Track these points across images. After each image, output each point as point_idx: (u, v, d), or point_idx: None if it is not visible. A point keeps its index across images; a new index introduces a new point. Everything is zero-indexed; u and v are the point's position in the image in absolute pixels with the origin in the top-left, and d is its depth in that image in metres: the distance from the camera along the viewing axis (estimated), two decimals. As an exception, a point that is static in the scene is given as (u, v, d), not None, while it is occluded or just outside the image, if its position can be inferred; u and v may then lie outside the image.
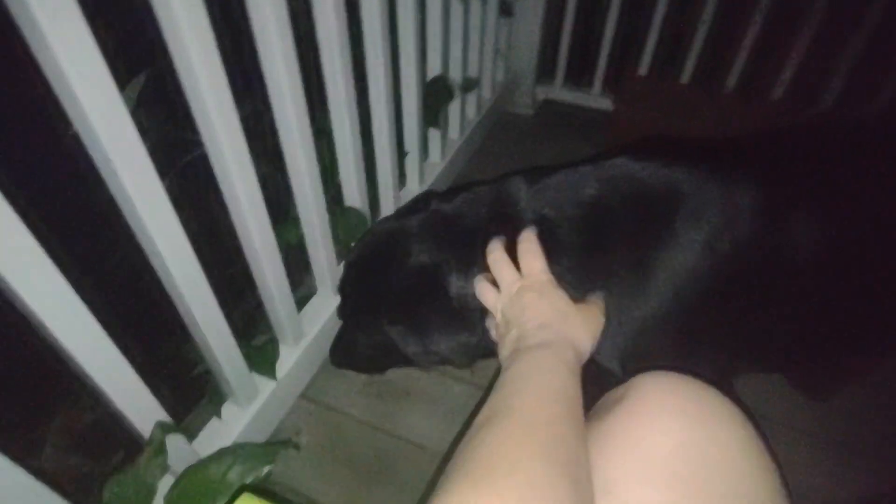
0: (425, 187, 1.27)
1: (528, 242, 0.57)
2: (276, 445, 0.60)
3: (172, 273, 0.60)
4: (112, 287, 0.75)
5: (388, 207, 1.13)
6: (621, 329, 0.61)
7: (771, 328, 0.70)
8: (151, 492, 0.56)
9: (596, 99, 1.70)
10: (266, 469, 0.56)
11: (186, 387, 0.87)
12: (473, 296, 0.64)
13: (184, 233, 0.60)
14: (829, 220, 0.64)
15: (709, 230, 0.60)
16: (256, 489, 0.44)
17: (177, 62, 0.55)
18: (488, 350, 0.71)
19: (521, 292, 0.53)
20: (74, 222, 0.65)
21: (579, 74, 1.71)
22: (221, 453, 0.58)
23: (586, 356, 0.48)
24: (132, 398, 0.59)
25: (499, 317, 0.55)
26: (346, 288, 0.78)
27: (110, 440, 0.81)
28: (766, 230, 0.62)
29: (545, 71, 1.73)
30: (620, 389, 0.42)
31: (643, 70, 1.57)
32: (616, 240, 0.62)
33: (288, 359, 0.90)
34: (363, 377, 0.99)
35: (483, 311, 0.63)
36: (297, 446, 0.76)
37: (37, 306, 0.47)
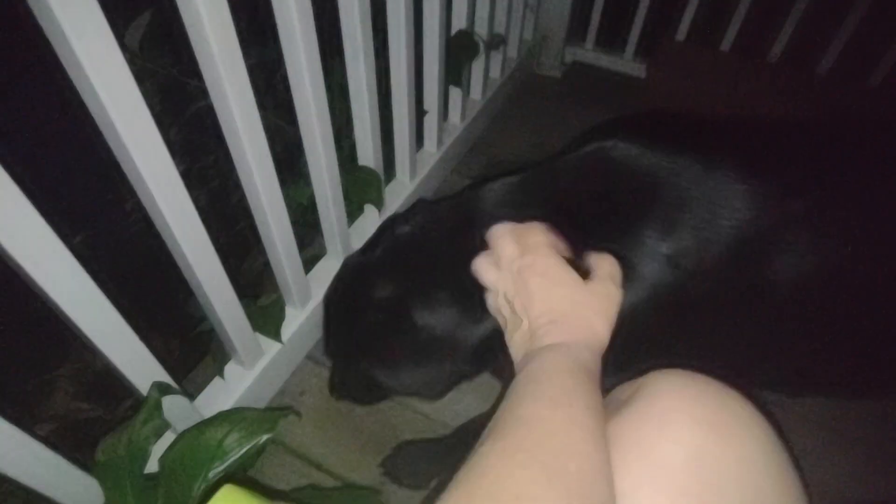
0: (443, 149, 1.22)
1: (534, 221, 0.51)
2: (276, 413, 0.59)
3: (172, 228, 0.57)
4: (108, 241, 0.73)
5: (403, 168, 1.08)
6: None
7: (755, 348, 0.63)
8: (145, 455, 0.55)
9: (628, 64, 1.61)
10: (265, 437, 0.55)
11: (190, 344, 0.86)
12: (441, 324, 0.59)
13: (183, 186, 0.56)
14: (828, 246, 0.55)
15: (678, 245, 0.53)
16: (239, 479, 0.43)
17: (180, 2, 0.50)
18: (460, 380, 0.67)
19: (525, 274, 0.46)
20: (68, 173, 0.62)
21: (612, 36, 1.61)
22: (220, 418, 0.57)
23: (605, 345, 0.44)
24: (129, 357, 0.58)
25: (500, 300, 0.50)
26: (327, 326, 0.75)
27: (120, 388, 0.81)
28: (748, 254, 0.54)
29: (576, 31, 1.63)
30: (629, 388, 0.39)
31: (681, 35, 1.47)
32: (583, 245, 0.54)
33: (294, 321, 0.88)
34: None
35: (452, 344, 0.59)
36: (298, 414, 0.75)
37: (25, 260, 0.44)
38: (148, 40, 0.68)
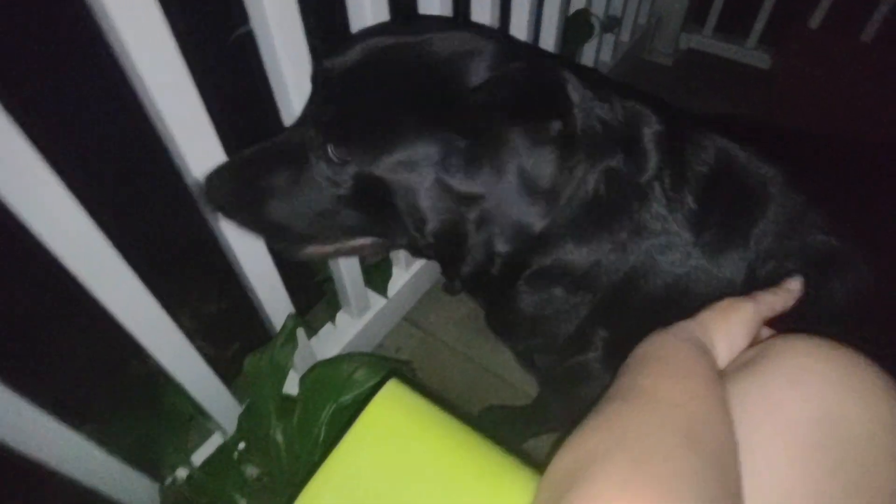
0: (547, 130, 1.22)
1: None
2: (394, 361, 0.64)
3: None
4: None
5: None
6: None
7: None
8: (283, 371, 0.63)
9: (749, 53, 1.52)
10: (383, 376, 0.60)
11: (307, 289, 0.94)
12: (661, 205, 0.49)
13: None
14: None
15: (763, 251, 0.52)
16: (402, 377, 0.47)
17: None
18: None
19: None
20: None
21: (734, 22, 1.53)
22: (350, 356, 0.64)
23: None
24: (270, 293, 0.65)
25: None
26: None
27: (229, 331, 0.94)
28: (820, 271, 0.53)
29: (694, 16, 1.56)
30: (750, 352, 0.39)
31: (815, 22, 1.36)
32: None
33: (399, 280, 0.94)
34: (462, 310, 1.01)
35: None
36: (412, 371, 0.82)
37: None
38: None
